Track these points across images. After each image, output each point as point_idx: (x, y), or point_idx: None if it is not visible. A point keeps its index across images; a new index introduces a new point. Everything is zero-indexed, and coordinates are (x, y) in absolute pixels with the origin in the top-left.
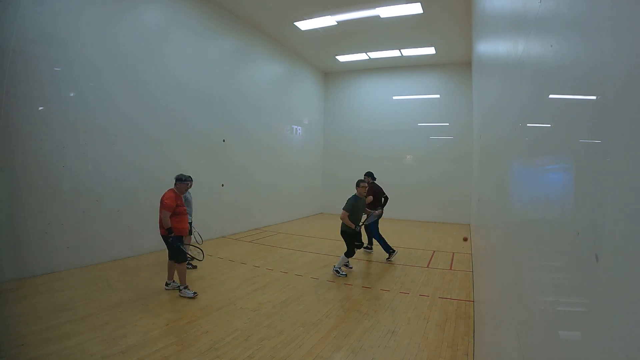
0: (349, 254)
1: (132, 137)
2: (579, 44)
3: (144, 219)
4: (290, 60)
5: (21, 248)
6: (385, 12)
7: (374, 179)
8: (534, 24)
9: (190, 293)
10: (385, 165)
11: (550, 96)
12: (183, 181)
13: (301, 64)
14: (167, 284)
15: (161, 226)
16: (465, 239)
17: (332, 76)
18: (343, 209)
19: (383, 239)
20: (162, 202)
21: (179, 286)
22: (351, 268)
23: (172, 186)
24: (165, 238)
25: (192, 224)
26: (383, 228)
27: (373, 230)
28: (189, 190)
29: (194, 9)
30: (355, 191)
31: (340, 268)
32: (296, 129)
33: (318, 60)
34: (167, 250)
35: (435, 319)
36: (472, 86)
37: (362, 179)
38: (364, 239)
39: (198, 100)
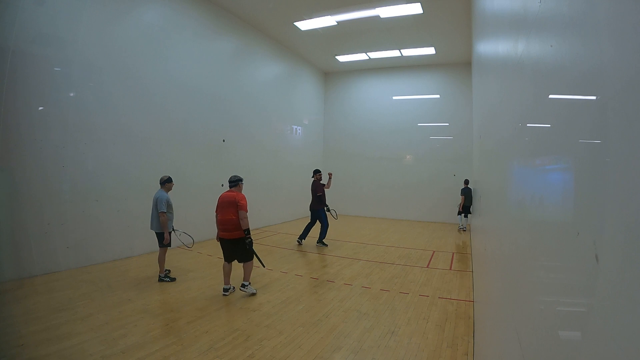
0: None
1: (132, 137)
2: (579, 44)
3: (144, 219)
4: (290, 60)
5: (21, 248)
6: (385, 12)
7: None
8: (534, 24)
9: (253, 289)
10: (385, 165)
11: (550, 96)
12: (242, 180)
13: (301, 64)
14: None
15: (234, 229)
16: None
17: (332, 76)
18: None
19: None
20: (238, 203)
21: (243, 285)
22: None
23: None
24: (237, 240)
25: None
26: (383, 227)
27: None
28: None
29: (193, 9)
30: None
31: None
32: (296, 129)
33: (318, 60)
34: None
35: (435, 319)
36: (472, 86)
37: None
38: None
39: (198, 100)
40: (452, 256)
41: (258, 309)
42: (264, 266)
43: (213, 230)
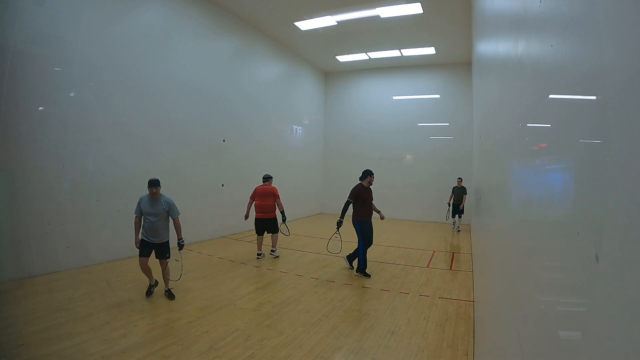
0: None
1: (132, 137)
2: (579, 44)
3: None
4: (290, 60)
5: (21, 248)
6: (385, 12)
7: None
8: (534, 24)
9: (277, 253)
10: (385, 165)
11: (550, 96)
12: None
13: (301, 64)
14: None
15: (271, 211)
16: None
17: (332, 76)
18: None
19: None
20: (275, 194)
21: (272, 251)
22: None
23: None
24: (271, 220)
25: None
26: (383, 227)
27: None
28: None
29: (194, 9)
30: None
31: None
32: (296, 129)
33: (318, 60)
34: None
35: (435, 319)
36: (472, 86)
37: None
38: None
39: (198, 100)
40: (452, 256)
41: (258, 309)
42: (286, 234)
43: (212, 231)
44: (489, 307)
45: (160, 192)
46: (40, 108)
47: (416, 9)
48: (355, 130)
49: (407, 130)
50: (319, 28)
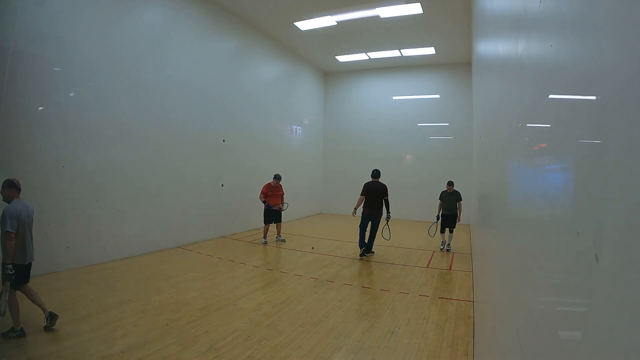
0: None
1: (132, 137)
2: (579, 44)
3: (144, 219)
4: (290, 60)
5: None
6: (385, 12)
7: (376, 177)
8: (534, 24)
9: (283, 238)
10: (385, 165)
11: (550, 96)
12: (275, 178)
13: (301, 64)
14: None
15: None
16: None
17: (332, 76)
18: None
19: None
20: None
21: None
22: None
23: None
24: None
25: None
26: (383, 227)
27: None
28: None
29: (194, 8)
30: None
31: None
32: (296, 129)
33: (318, 60)
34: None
35: (435, 319)
36: (472, 86)
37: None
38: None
39: (198, 100)
40: (452, 256)
41: (258, 309)
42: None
43: (212, 231)
44: (489, 307)
45: (18, 196)
46: (40, 108)
47: (416, 9)
48: (355, 130)
49: (407, 130)
50: (319, 28)
